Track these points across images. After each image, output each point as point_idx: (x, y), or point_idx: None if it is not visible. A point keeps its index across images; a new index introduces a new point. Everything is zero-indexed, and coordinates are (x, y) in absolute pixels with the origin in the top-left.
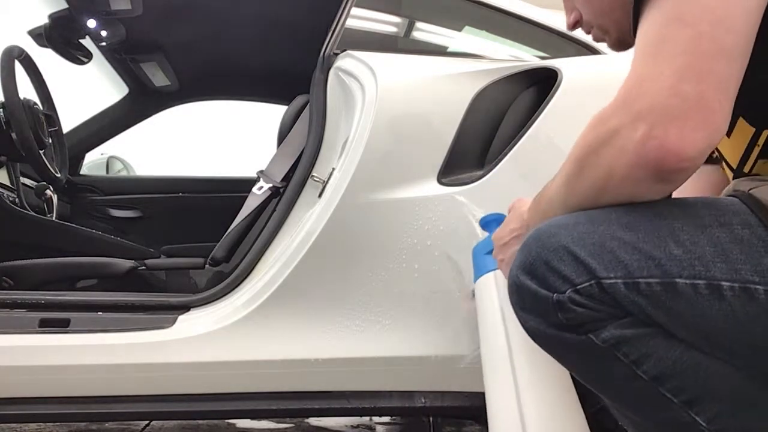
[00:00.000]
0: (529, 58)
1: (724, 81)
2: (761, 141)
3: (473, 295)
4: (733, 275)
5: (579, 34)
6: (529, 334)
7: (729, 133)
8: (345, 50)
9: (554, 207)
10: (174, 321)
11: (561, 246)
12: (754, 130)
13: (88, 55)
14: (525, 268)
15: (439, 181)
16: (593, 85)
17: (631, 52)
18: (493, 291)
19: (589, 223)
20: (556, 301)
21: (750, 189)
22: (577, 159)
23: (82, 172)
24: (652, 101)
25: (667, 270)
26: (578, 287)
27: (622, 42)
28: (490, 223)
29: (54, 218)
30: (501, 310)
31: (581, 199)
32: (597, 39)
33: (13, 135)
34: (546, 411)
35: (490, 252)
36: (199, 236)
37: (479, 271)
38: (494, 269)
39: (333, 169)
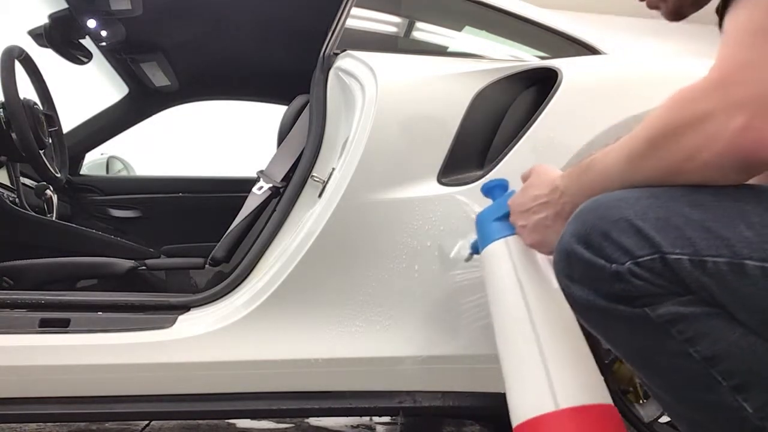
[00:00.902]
0: (529, 58)
1: None
2: None
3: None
4: None
5: (579, 34)
6: (572, 303)
7: None
8: (345, 50)
9: (610, 180)
10: (174, 321)
11: (622, 218)
12: None
13: (88, 55)
14: (580, 238)
15: (439, 181)
16: (593, 85)
17: (632, 51)
18: (505, 258)
19: (652, 198)
20: (614, 272)
21: None
22: (650, 137)
23: (82, 172)
24: (756, 90)
25: (737, 251)
26: (639, 260)
27: (678, 12)
28: (494, 188)
29: (54, 218)
30: (516, 277)
31: (648, 178)
32: (651, 6)
33: (13, 135)
34: (575, 376)
35: (500, 218)
36: (199, 236)
37: (488, 238)
38: (506, 236)
39: (333, 169)
